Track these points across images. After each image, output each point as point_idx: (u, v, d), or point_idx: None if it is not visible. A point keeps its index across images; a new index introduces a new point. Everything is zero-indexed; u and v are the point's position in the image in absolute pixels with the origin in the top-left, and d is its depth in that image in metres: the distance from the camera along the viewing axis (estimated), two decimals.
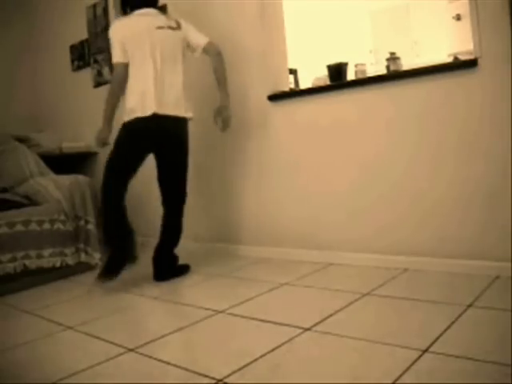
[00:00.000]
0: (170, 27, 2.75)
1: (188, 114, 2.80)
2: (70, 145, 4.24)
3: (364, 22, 5.97)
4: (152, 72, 2.65)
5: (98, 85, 4.15)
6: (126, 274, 2.98)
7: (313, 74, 3.63)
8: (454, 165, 2.38)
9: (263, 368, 1.56)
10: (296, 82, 4.12)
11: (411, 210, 2.53)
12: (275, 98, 3.01)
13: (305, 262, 2.84)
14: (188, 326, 2.00)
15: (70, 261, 3.06)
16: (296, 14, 4.50)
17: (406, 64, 3.47)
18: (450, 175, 2.39)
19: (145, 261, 3.35)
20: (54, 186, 3.28)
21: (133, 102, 2.65)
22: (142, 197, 3.75)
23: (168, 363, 1.66)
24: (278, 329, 1.88)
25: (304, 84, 3.98)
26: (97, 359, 1.74)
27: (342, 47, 5.21)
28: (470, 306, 1.91)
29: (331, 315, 1.96)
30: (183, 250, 3.46)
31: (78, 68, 4.35)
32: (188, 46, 2.83)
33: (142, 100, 2.64)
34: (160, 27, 2.71)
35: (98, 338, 1.97)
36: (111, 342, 1.90)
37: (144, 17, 2.74)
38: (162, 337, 1.91)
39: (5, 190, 3.42)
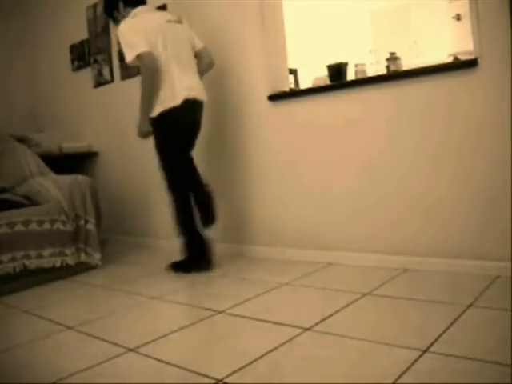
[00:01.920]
0: (177, 21, 2.84)
1: (205, 98, 2.91)
2: (70, 145, 4.25)
3: (364, 22, 5.96)
4: (180, 63, 2.73)
5: (98, 85, 4.15)
6: (127, 274, 2.99)
7: (313, 74, 3.63)
8: (455, 165, 2.38)
9: (263, 368, 1.56)
10: (296, 82, 4.12)
11: (411, 210, 2.53)
12: (275, 97, 3.01)
13: (305, 262, 2.84)
14: (188, 326, 2.01)
15: (70, 261, 3.06)
16: (296, 14, 4.50)
17: (406, 64, 3.47)
18: (450, 175, 2.39)
19: (145, 261, 3.35)
20: (54, 186, 3.28)
21: (168, 93, 2.68)
22: (145, 196, 3.75)
23: (168, 363, 1.66)
24: (278, 329, 1.88)
25: (304, 84, 3.98)
26: (97, 359, 1.74)
27: (342, 47, 5.21)
28: (470, 306, 1.91)
29: (331, 315, 1.96)
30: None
31: (78, 68, 4.35)
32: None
33: (172, 90, 2.69)
34: (169, 21, 2.79)
35: (97, 338, 1.97)
36: (111, 342, 1.90)
37: (151, 13, 2.80)
38: (162, 337, 1.91)
39: (5, 190, 3.42)
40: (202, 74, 2.95)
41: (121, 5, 2.85)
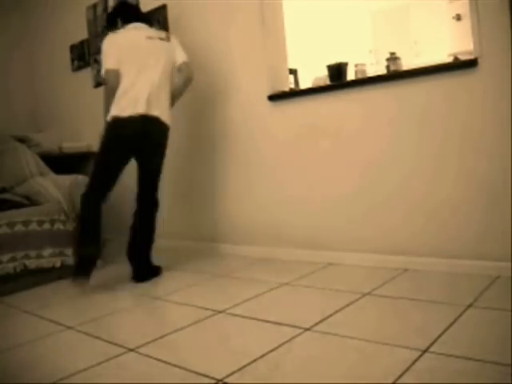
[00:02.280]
0: (160, 38, 2.90)
1: (169, 122, 2.87)
2: (70, 145, 4.24)
3: (364, 22, 5.96)
4: (144, 78, 2.76)
5: (98, 85, 4.14)
6: (127, 274, 2.98)
7: (313, 74, 3.63)
8: (456, 165, 2.38)
9: (263, 368, 1.56)
10: (296, 82, 4.12)
11: (412, 211, 2.53)
12: (275, 97, 3.01)
13: (305, 262, 2.84)
14: (188, 326, 2.00)
15: (70, 261, 3.06)
16: (296, 14, 4.50)
17: (406, 64, 3.47)
18: (451, 175, 2.39)
19: None
20: (53, 186, 3.28)
21: (123, 103, 2.73)
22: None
23: (168, 363, 1.66)
24: (278, 329, 1.88)
25: (304, 84, 3.98)
26: (97, 359, 1.74)
27: (342, 47, 5.20)
28: (470, 306, 1.91)
29: (331, 315, 1.96)
30: (184, 250, 3.47)
31: (78, 68, 4.35)
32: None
33: (131, 102, 2.73)
34: (150, 37, 2.86)
35: (98, 337, 1.97)
36: (111, 342, 1.90)
37: (136, 30, 2.89)
38: (162, 337, 1.91)
39: (5, 190, 3.42)
40: (179, 88, 2.94)
41: (119, 21, 2.99)
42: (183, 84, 2.96)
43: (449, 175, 2.40)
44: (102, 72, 2.81)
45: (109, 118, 2.75)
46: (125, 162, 2.85)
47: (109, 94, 2.78)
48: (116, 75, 2.75)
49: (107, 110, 2.77)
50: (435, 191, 2.44)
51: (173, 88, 2.91)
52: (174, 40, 2.97)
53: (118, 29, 2.95)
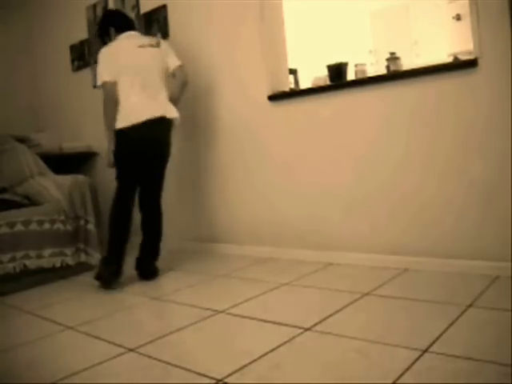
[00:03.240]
0: (151, 45, 2.94)
1: (176, 114, 2.91)
2: (70, 145, 4.24)
3: (364, 22, 5.96)
4: (142, 87, 2.81)
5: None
6: (127, 274, 2.98)
7: (313, 73, 3.63)
8: (458, 165, 2.38)
9: (263, 368, 1.56)
10: (296, 82, 4.12)
11: (412, 211, 2.53)
12: (275, 97, 3.01)
13: (305, 262, 2.84)
14: (188, 326, 2.00)
15: (70, 261, 3.06)
16: (296, 14, 4.50)
17: (406, 64, 3.47)
18: (454, 176, 2.39)
19: None
20: (54, 186, 3.28)
21: (127, 113, 2.79)
22: None
23: (168, 363, 1.66)
24: (278, 329, 1.88)
25: (304, 84, 3.98)
26: (97, 359, 1.74)
27: (342, 47, 5.21)
28: (470, 306, 1.91)
29: (331, 315, 1.96)
30: (184, 250, 3.47)
31: (78, 68, 4.35)
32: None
33: (134, 111, 2.79)
34: (142, 46, 2.91)
35: (97, 337, 1.97)
36: (111, 342, 1.90)
37: (128, 40, 2.94)
38: (162, 337, 1.92)
39: (5, 190, 3.43)
40: (175, 93, 2.97)
41: (112, 30, 3.02)
42: (179, 89, 2.99)
43: (456, 176, 2.39)
44: (98, 84, 2.85)
45: (116, 128, 2.78)
46: (141, 169, 2.88)
47: (109, 106, 2.81)
48: (113, 87, 2.80)
49: (110, 122, 2.80)
50: (439, 192, 2.44)
51: (169, 94, 2.93)
52: (164, 45, 2.99)
53: (111, 37, 3.01)
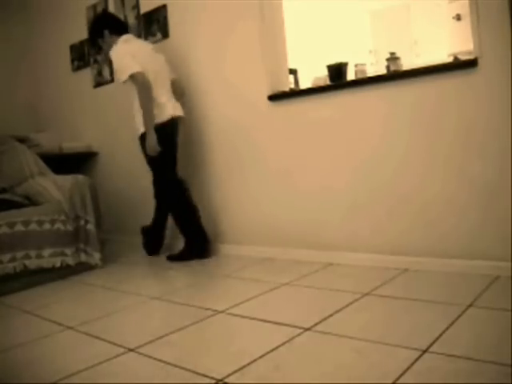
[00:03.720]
0: (156, 50, 3.18)
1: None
2: (70, 145, 4.24)
3: (364, 21, 5.96)
4: (164, 85, 3.04)
5: (97, 85, 4.15)
6: (127, 274, 2.99)
7: (313, 73, 3.63)
8: (458, 165, 2.37)
9: (263, 368, 1.56)
10: (296, 82, 4.11)
11: (412, 211, 2.53)
12: (275, 97, 3.01)
13: (305, 262, 2.84)
14: (188, 326, 2.00)
15: (70, 261, 3.06)
16: (296, 14, 4.50)
17: (406, 64, 3.47)
18: (454, 176, 2.39)
19: (145, 261, 3.36)
20: (54, 186, 3.28)
21: (166, 105, 3.01)
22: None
23: (168, 363, 1.66)
24: (278, 329, 1.88)
25: (304, 84, 3.98)
26: (97, 359, 1.74)
27: (342, 47, 5.21)
28: (470, 306, 1.91)
29: (331, 315, 1.96)
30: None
31: (78, 68, 4.35)
32: None
33: (168, 105, 3.02)
34: (153, 49, 3.13)
35: (97, 337, 1.97)
36: (111, 342, 1.90)
37: (139, 40, 3.14)
38: (162, 337, 1.91)
39: (5, 190, 3.42)
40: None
41: (106, 33, 3.10)
42: (177, 99, 3.20)
43: (456, 176, 2.38)
44: (123, 79, 2.90)
45: (164, 118, 2.97)
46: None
47: (147, 95, 2.89)
48: (145, 77, 2.89)
49: (152, 109, 2.92)
50: (438, 191, 2.44)
51: None
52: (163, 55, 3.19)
53: (105, 40, 3.08)
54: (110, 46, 3.11)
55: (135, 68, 2.85)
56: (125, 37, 3.04)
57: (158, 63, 3.09)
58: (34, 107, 4.80)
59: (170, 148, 3.08)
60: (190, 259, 3.11)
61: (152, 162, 3.10)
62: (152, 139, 2.95)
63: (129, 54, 2.92)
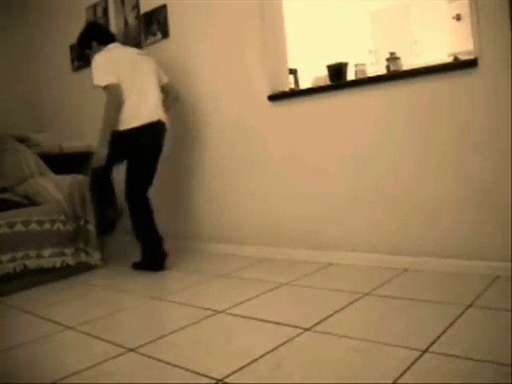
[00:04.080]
0: (146, 54, 3.17)
1: (169, 124, 3.10)
2: (70, 145, 4.24)
3: (364, 22, 5.96)
4: (145, 91, 2.96)
5: None
6: (127, 274, 2.99)
7: (313, 73, 3.63)
8: (458, 165, 2.38)
9: (263, 368, 1.56)
10: (296, 81, 4.12)
11: (414, 211, 2.53)
12: (275, 97, 3.01)
13: (305, 262, 2.84)
14: (188, 326, 2.01)
15: (70, 261, 3.06)
16: (296, 14, 4.50)
17: (406, 64, 3.47)
18: (453, 176, 2.39)
19: None
20: (53, 186, 3.28)
21: (129, 113, 2.91)
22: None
23: (168, 363, 1.66)
24: (278, 329, 1.88)
25: (304, 84, 3.98)
26: (97, 359, 1.74)
27: (342, 47, 5.21)
28: (470, 306, 1.91)
29: (331, 315, 1.96)
30: (184, 250, 3.47)
31: (78, 68, 4.35)
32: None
33: (136, 112, 2.92)
34: (139, 54, 3.11)
35: (97, 337, 1.97)
36: (111, 342, 1.90)
37: (125, 48, 3.12)
38: (162, 337, 1.92)
39: (5, 190, 3.42)
40: (168, 108, 3.15)
41: (94, 43, 3.11)
42: (173, 103, 3.22)
43: (453, 176, 2.39)
44: (97, 83, 2.90)
45: (123, 127, 2.89)
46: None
47: (114, 107, 2.88)
48: (119, 90, 2.87)
49: (112, 123, 2.88)
50: (438, 192, 2.44)
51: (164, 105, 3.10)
52: (152, 59, 3.14)
53: (93, 51, 3.07)
54: None
55: (111, 79, 2.86)
56: (110, 46, 3.06)
57: (141, 69, 3.00)
58: (34, 107, 4.80)
59: (136, 157, 2.97)
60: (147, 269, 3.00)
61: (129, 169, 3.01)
62: (102, 151, 2.89)
63: (108, 61, 2.93)
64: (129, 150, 2.96)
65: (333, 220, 2.82)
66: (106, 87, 2.87)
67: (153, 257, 3.01)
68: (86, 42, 3.15)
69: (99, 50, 3.04)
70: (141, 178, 3.00)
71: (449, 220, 2.41)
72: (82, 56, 3.29)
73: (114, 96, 2.86)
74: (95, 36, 3.13)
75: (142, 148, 2.97)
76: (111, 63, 2.93)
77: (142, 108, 2.92)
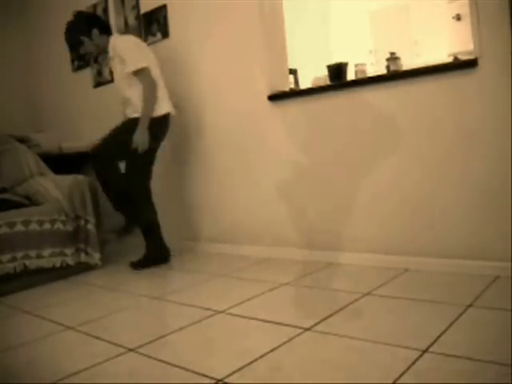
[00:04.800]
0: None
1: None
2: (70, 145, 4.24)
3: (364, 22, 5.96)
4: (161, 80, 3.07)
5: (97, 85, 4.15)
6: (127, 274, 2.99)
7: (313, 73, 3.63)
8: (458, 165, 2.38)
9: (263, 368, 1.56)
10: (296, 81, 4.11)
11: (414, 211, 2.53)
12: (275, 97, 3.01)
13: (305, 262, 2.84)
14: (188, 326, 2.01)
15: (70, 261, 3.06)
16: (296, 14, 4.49)
17: (406, 64, 3.46)
18: (454, 176, 2.39)
19: None
20: (53, 186, 3.28)
21: (161, 98, 3.02)
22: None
23: (168, 363, 1.66)
24: (278, 329, 1.88)
25: (304, 84, 3.98)
26: (97, 359, 1.74)
27: (342, 47, 5.21)
28: (469, 306, 1.91)
29: (331, 315, 1.96)
30: (184, 250, 3.47)
31: (78, 68, 4.35)
32: None
33: (165, 98, 3.06)
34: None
35: (97, 338, 1.97)
36: (111, 342, 1.90)
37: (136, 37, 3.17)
38: (162, 337, 1.92)
39: (5, 190, 3.42)
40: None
41: (95, 32, 3.06)
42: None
43: (454, 177, 2.38)
44: (136, 67, 2.88)
45: (159, 113, 2.97)
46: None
47: (154, 93, 2.93)
48: (151, 74, 2.94)
49: (153, 107, 2.93)
50: (438, 192, 2.44)
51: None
52: None
53: (92, 40, 3.06)
54: (99, 47, 3.13)
55: (145, 62, 2.89)
56: (116, 35, 3.08)
57: (156, 59, 3.12)
58: (34, 107, 4.80)
59: (155, 144, 3.04)
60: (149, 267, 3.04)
61: (132, 157, 2.97)
62: (145, 136, 2.90)
63: (138, 46, 2.95)
64: (158, 135, 3.01)
65: (333, 220, 2.82)
66: (141, 70, 2.88)
67: (160, 248, 3.08)
68: (86, 29, 3.07)
69: (100, 40, 3.04)
70: (152, 165, 3.09)
71: (449, 220, 2.41)
72: (73, 43, 3.14)
73: (151, 81, 2.91)
74: (97, 24, 3.09)
75: (164, 135, 3.06)
76: (140, 47, 2.95)
77: (165, 96, 3.03)
